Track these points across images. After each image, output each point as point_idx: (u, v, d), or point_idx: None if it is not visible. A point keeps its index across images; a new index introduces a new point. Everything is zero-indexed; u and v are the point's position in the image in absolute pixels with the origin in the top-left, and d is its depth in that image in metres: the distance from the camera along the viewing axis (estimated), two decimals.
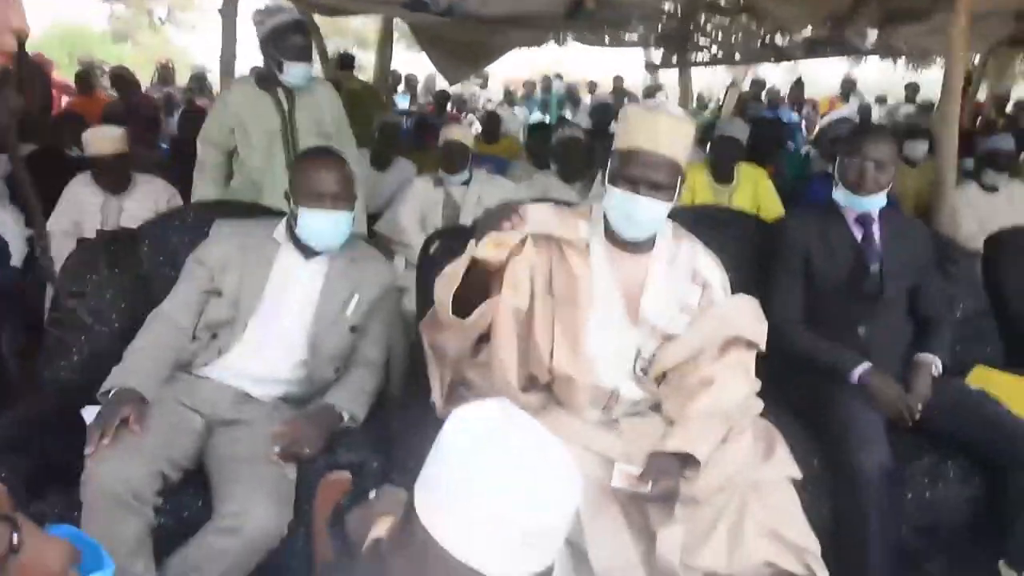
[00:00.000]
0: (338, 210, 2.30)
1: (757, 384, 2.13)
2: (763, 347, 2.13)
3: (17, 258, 3.67)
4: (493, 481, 0.88)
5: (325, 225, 2.30)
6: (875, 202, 2.51)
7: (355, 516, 1.36)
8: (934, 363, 2.46)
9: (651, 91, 10.83)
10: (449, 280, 1.93)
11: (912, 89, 9.71)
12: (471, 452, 0.91)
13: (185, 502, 2.06)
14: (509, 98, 11.67)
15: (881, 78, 14.56)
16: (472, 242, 1.89)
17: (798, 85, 10.60)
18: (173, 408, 2.16)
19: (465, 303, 1.93)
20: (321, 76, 3.99)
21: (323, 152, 2.43)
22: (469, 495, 0.88)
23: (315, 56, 7.41)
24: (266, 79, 3.36)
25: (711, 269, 2.16)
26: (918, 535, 2.34)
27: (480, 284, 1.93)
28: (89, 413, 2.09)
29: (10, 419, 2.21)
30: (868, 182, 2.47)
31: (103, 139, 3.70)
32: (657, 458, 1.91)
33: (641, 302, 2.07)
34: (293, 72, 3.28)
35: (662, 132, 1.98)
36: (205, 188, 3.43)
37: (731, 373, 2.05)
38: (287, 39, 3.24)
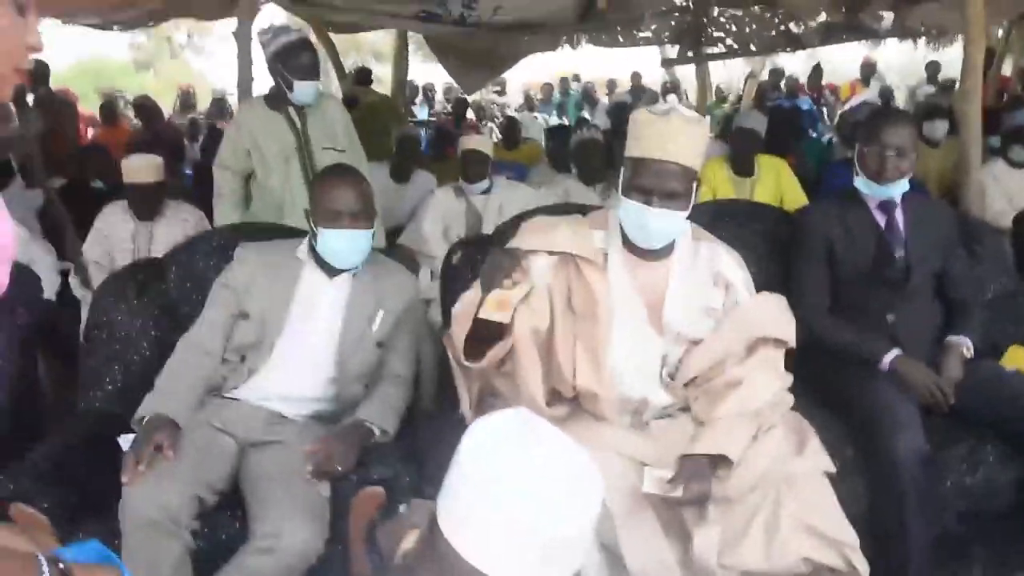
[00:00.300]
0: (358, 228, 2.31)
1: (788, 379, 2.10)
2: (792, 343, 2.10)
3: (50, 291, 3.73)
4: (511, 491, 0.89)
5: (345, 244, 2.32)
6: (897, 189, 2.48)
7: (385, 530, 1.37)
8: (964, 345, 2.42)
9: (669, 87, 10.80)
10: (460, 324, 1.92)
11: (933, 68, 9.57)
12: (489, 462, 0.91)
13: (222, 524, 2.09)
14: (529, 103, 11.68)
15: (903, 60, 14.38)
16: (478, 284, 1.88)
17: (816, 72, 10.50)
18: (206, 432, 2.18)
19: (479, 339, 1.92)
20: (328, 92, 4.03)
21: (340, 170, 2.45)
22: (486, 505, 0.89)
23: (332, 73, 7.51)
24: (276, 99, 3.40)
25: (732, 269, 2.13)
26: (960, 521, 2.31)
27: (492, 324, 1.90)
28: (126, 441, 2.13)
29: (48, 450, 2.25)
30: (889, 170, 2.43)
31: (141, 168, 3.76)
32: (688, 461, 1.89)
33: (664, 310, 2.05)
34: (302, 91, 3.32)
35: (672, 138, 1.93)
36: (226, 213, 3.47)
37: (760, 372, 2.03)
38: (294, 58, 3.27)
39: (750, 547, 1.84)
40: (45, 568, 1.11)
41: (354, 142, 3.54)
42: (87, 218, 3.88)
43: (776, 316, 2.11)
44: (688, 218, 2.09)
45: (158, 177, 3.77)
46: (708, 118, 2.15)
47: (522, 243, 2.07)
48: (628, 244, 2.08)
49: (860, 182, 2.52)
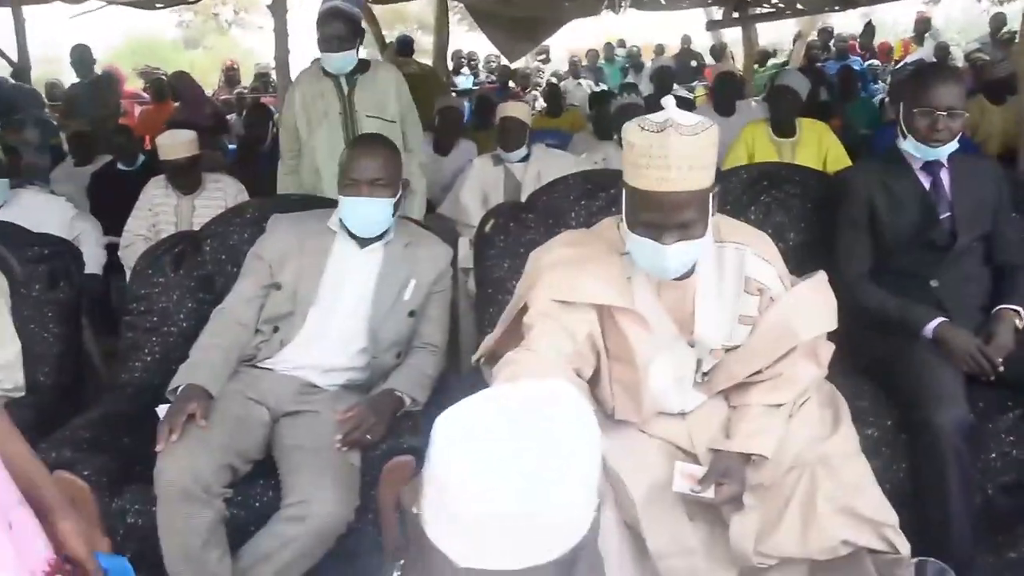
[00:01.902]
0: (375, 196, 2.29)
1: (827, 356, 1.99)
2: (834, 325, 1.97)
3: (96, 265, 3.82)
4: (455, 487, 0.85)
5: (361, 211, 2.31)
6: (946, 150, 2.36)
7: (407, 492, 1.36)
8: (1017, 314, 2.32)
9: (718, 50, 10.57)
10: None
11: (997, 22, 9.17)
12: (445, 442, 0.88)
13: (255, 493, 2.12)
14: (574, 69, 11.53)
15: (964, 16, 13.87)
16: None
17: (868, 30, 10.16)
18: (239, 402, 2.21)
19: None
20: (383, 61, 4.03)
21: (366, 139, 2.45)
22: (438, 485, 0.86)
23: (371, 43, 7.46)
24: None
25: (763, 269, 1.91)
26: (1007, 495, 2.22)
27: None
28: (163, 411, 2.17)
29: (90, 419, 2.30)
30: (940, 132, 2.31)
31: (175, 144, 3.83)
32: (720, 458, 1.82)
33: (694, 326, 1.90)
34: (327, 61, 3.34)
35: (675, 162, 1.65)
36: (283, 179, 3.56)
37: (798, 363, 1.92)
38: (321, 29, 3.28)
39: (787, 533, 1.79)
40: None
41: (409, 114, 3.52)
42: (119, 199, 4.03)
43: (813, 314, 1.94)
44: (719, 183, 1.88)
45: (191, 152, 3.82)
46: (714, 126, 1.82)
47: (552, 292, 1.82)
48: None
49: (907, 144, 2.40)
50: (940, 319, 2.29)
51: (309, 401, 2.26)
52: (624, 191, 1.79)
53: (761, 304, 1.91)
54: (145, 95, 8.80)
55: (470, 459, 0.85)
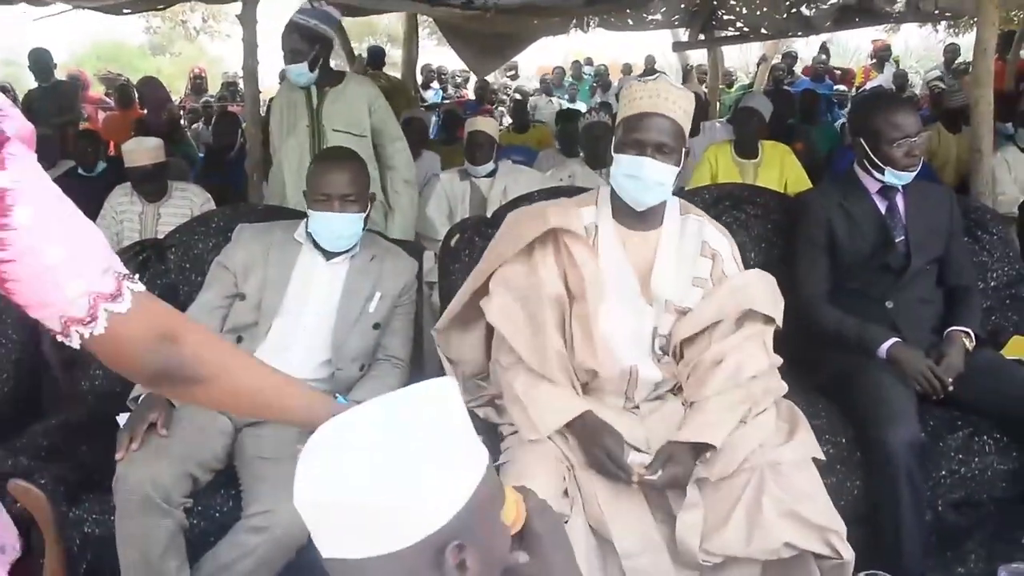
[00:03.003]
0: (346, 212, 2.31)
1: (777, 359, 2.08)
2: (779, 322, 2.08)
3: None
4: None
5: (332, 226, 2.32)
6: (911, 174, 2.45)
7: None
8: (966, 335, 2.39)
9: (685, 72, 10.72)
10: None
11: (951, 52, 9.44)
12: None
13: (216, 503, 2.11)
14: (545, 87, 11.62)
15: (923, 44, 14.22)
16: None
17: (824, 54, 10.38)
18: (201, 411, 2.18)
19: None
20: (357, 75, 4.03)
21: (334, 153, 2.45)
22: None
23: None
24: None
25: (719, 239, 2.16)
26: (956, 511, 2.28)
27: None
28: (123, 419, 2.15)
29: (48, 427, 2.28)
30: (916, 157, 2.41)
31: (141, 151, 3.80)
32: (668, 446, 1.91)
33: (652, 278, 2.07)
34: (289, 72, 3.35)
35: (664, 96, 2.00)
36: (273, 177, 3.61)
37: (748, 346, 2.02)
38: (283, 42, 3.30)
39: (732, 532, 1.84)
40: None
41: (388, 128, 3.49)
42: (80, 205, 3.95)
43: (765, 292, 2.10)
44: (682, 198, 2.09)
45: (155, 159, 3.79)
46: (693, 94, 2.18)
47: (520, 236, 2.08)
48: (619, 215, 2.10)
49: (888, 176, 2.43)
50: (894, 339, 2.35)
51: None
52: (615, 133, 2.09)
53: (713, 271, 2.11)
54: (109, 100, 8.70)
55: (306, 457, 0.92)
